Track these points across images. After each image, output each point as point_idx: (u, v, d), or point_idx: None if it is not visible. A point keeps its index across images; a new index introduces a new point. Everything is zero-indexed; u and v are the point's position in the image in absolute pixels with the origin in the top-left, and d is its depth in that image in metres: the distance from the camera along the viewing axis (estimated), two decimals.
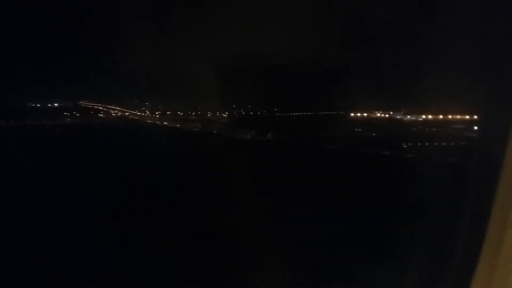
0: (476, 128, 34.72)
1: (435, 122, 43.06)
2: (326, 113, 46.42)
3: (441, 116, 43.37)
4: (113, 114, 48.19)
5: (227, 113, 47.32)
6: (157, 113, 45.71)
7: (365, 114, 47.87)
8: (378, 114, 48.26)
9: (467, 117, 39.73)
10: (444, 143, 34.05)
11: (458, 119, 40.46)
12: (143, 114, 47.12)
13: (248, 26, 48.61)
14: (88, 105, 48.97)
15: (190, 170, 23.50)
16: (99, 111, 48.54)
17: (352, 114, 46.61)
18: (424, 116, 44.62)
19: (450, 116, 42.31)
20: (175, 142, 36.73)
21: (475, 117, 36.63)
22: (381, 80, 49.48)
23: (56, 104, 45.10)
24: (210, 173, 22.31)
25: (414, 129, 40.20)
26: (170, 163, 25.02)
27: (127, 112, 47.71)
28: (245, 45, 48.50)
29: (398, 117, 46.68)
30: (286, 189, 18.79)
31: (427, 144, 33.13)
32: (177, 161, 25.95)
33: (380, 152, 31.48)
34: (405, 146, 32.70)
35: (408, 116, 45.53)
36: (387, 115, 47.54)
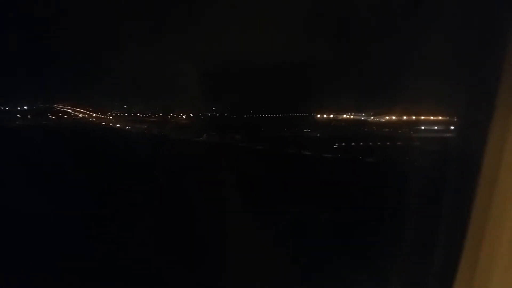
0: (437, 128, 33.56)
1: (398, 123, 41.51)
2: (284, 115, 45.85)
3: (405, 117, 41.82)
4: (86, 117, 49.57)
5: (191, 115, 47.60)
6: (112, 115, 46.60)
7: (331, 116, 46.86)
8: (344, 116, 46.99)
9: (429, 117, 38.35)
10: (397, 143, 33.19)
11: (421, 119, 39.00)
12: (108, 117, 48.13)
13: (212, 29, 48.86)
14: (61, 108, 50.54)
15: (144, 173, 23.86)
16: (72, 114, 50.03)
17: (308, 115, 45.78)
18: (387, 117, 43.04)
19: (413, 117, 40.82)
20: (131, 145, 37.19)
21: (441, 118, 35.36)
22: (349, 81, 48.33)
23: (25, 107, 46.85)
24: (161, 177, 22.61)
25: (365, 130, 38.95)
26: (125, 166, 25.42)
27: (93, 114, 48.96)
28: (210, 47, 48.81)
29: (362, 118, 45.24)
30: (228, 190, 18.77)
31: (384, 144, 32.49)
32: (131, 163, 26.33)
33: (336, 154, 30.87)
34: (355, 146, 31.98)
35: (372, 117, 44.05)
36: (350, 116, 46.14)
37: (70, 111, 49.67)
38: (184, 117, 46.56)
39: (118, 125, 44.97)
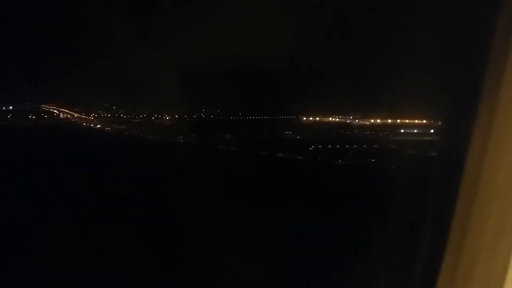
0: (421, 131, 33.59)
1: (382, 126, 41.45)
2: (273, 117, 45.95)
3: (389, 120, 41.75)
4: (70, 118, 49.32)
5: (176, 116, 47.33)
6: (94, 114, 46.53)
7: (317, 118, 46.68)
8: (330, 118, 46.78)
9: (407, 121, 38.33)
10: (381, 146, 33.65)
11: (405, 123, 39.00)
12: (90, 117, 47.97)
13: (193, 28, 48.74)
14: (47, 108, 50.20)
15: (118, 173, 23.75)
16: (55, 114, 49.69)
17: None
18: (372, 120, 42.95)
19: (398, 121, 40.80)
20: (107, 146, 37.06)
21: (425, 120, 35.33)
22: (333, 83, 48.27)
23: (11, 107, 46.42)
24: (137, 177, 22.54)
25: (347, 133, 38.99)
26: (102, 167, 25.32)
27: (77, 115, 48.76)
28: (192, 47, 48.64)
29: (348, 121, 45.07)
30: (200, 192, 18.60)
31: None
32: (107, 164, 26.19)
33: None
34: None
35: (356, 120, 43.91)
36: (336, 119, 46.04)
37: (55, 111, 49.42)
38: (168, 118, 46.40)
39: (106, 126, 44.89)
